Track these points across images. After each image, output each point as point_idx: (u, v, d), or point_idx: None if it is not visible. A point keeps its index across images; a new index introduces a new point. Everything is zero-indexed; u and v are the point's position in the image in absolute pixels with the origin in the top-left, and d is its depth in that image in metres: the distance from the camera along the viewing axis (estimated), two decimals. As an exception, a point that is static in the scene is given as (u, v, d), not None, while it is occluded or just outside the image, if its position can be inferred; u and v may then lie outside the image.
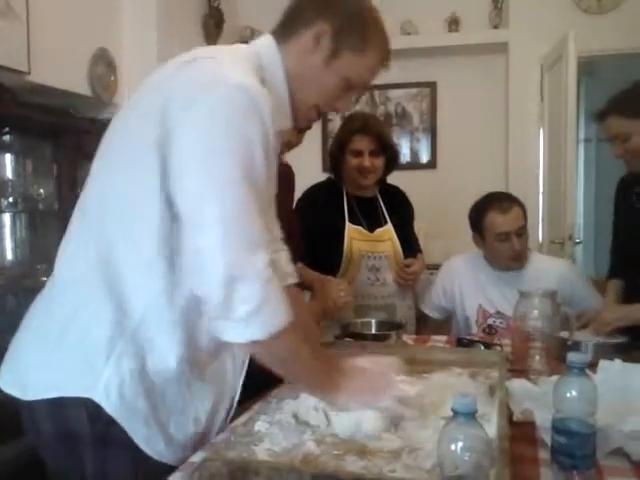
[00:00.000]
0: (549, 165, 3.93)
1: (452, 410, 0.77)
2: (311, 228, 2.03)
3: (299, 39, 1.10)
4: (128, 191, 1.01)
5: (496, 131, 4.17)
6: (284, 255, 1.30)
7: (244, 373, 1.21)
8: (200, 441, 1.12)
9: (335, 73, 1.11)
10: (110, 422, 0.99)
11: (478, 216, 2.19)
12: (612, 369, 1.21)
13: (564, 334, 1.70)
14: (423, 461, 0.94)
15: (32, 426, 1.05)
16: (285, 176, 1.94)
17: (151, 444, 1.03)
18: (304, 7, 1.13)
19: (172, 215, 0.98)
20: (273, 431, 1.06)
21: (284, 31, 1.13)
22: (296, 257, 1.75)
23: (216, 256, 0.92)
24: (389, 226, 2.27)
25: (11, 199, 2.55)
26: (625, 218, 2.01)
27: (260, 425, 1.07)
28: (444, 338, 1.96)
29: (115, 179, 1.03)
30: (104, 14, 3.08)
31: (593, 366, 0.99)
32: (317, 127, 4.35)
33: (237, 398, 1.21)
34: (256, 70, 1.06)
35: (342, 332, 1.81)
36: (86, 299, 1.02)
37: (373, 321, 1.92)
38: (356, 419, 1.06)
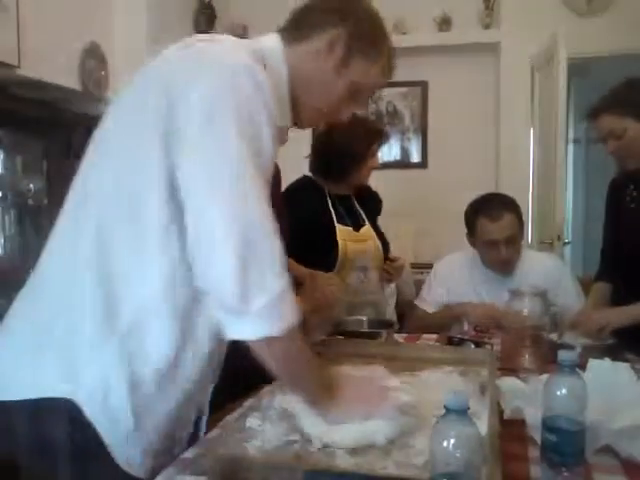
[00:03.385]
0: (539, 165, 3.96)
1: (444, 407, 0.77)
2: (302, 230, 2.00)
3: (311, 42, 1.08)
4: (129, 182, 0.95)
5: (487, 131, 4.19)
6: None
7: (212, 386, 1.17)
8: (174, 452, 1.07)
9: (344, 80, 1.09)
10: (90, 428, 0.95)
11: (470, 219, 2.18)
12: (601, 368, 1.22)
13: (553, 336, 1.72)
14: (414, 458, 0.94)
15: (11, 428, 0.98)
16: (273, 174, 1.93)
17: (126, 457, 0.98)
18: (317, 10, 1.11)
19: (176, 205, 0.93)
20: (265, 428, 1.06)
21: (294, 32, 1.10)
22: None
23: (228, 247, 0.87)
24: (367, 223, 2.28)
25: (0, 194, 2.53)
26: (618, 219, 2.02)
27: (252, 422, 1.08)
28: (434, 336, 1.97)
29: (114, 169, 0.97)
30: (95, 8, 3.06)
31: (581, 367, 1.00)
32: (308, 125, 4.35)
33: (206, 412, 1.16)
34: (258, 60, 1.02)
35: (333, 330, 1.81)
36: (74, 298, 0.97)
37: (364, 319, 1.93)
38: (364, 431, 1.01)
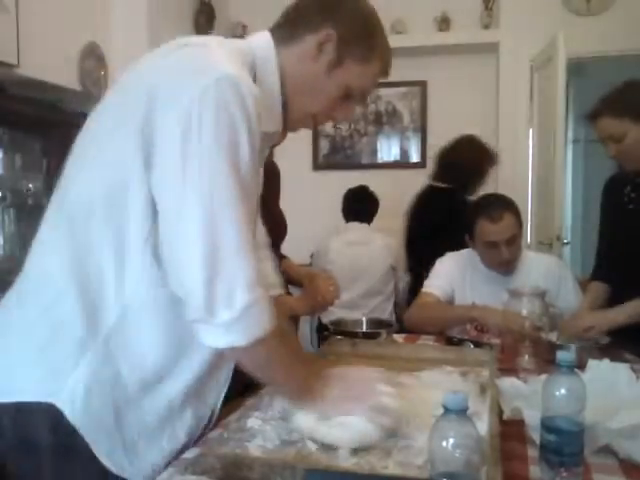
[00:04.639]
0: (538, 165, 3.96)
1: (443, 407, 0.77)
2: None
3: (302, 43, 1.05)
4: (110, 183, 0.94)
5: (486, 131, 4.18)
6: (269, 265, 1.26)
7: (225, 390, 1.15)
8: (176, 458, 1.05)
9: (336, 81, 1.06)
10: (72, 432, 0.94)
11: (470, 220, 2.18)
12: (600, 368, 1.22)
13: (552, 336, 1.72)
14: (414, 458, 0.95)
15: None
16: (271, 174, 1.94)
17: (114, 459, 0.97)
18: (309, 9, 1.07)
19: (154, 211, 0.93)
20: (266, 427, 1.06)
21: (285, 32, 1.07)
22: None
23: (196, 254, 0.87)
24: None
25: (0, 193, 2.53)
26: (615, 219, 2.02)
27: (253, 421, 1.08)
28: (433, 337, 1.98)
29: (96, 171, 0.97)
30: (94, 8, 3.06)
31: (580, 368, 1.01)
32: (308, 125, 4.36)
33: (217, 414, 1.15)
34: (248, 66, 1.01)
35: (333, 330, 1.82)
36: (57, 298, 0.95)
37: (364, 319, 1.93)
38: (352, 432, 1.01)
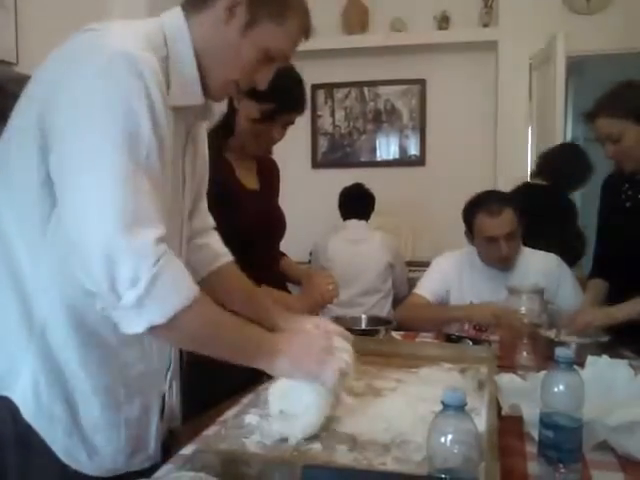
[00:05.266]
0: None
1: (442, 403, 0.77)
2: None
3: (212, 10, 1.02)
4: (10, 174, 0.96)
5: (485, 129, 4.19)
6: (214, 237, 1.29)
7: (172, 371, 1.15)
8: (136, 447, 1.05)
9: (252, 44, 1.02)
10: (28, 427, 0.94)
11: (469, 216, 2.18)
12: (599, 365, 1.22)
13: (550, 333, 1.72)
14: (413, 454, 0.95)
15: None
16: (270, 170, 1.94)
17: (71, 455, 0.97)
18: None
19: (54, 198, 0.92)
20: (263, 424, 1.06)
21: (196, 2, 1.04)
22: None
23: (90, 235, 0.85)
24: None
25: None
26: (612, 218, 2.02)
27: (250, 418, 1.08)
28: (432, 334, 1.98)
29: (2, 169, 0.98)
30: (93, 6, 3.06)
31: (578, 365, 1.01)
32: (306, 123, 4.35)
33: (169, 399, 1.15)
34: (156, 45, 0.99)
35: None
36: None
37: (363, 316, 1.93)
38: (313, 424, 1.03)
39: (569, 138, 4.87)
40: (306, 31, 1.09)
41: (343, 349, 1.12)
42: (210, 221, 1.32)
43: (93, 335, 0.98)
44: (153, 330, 0.88)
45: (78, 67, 0.90)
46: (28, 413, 0.94)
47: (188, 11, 1.04)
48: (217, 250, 1.29)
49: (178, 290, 0.89)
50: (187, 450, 1.01)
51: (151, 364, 1.08)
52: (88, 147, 0.87)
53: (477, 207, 2.13)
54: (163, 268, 0.86)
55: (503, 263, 2.13)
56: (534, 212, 2.73)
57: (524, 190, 3.07)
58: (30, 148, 0.92)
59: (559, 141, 3.51)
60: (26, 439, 0.94)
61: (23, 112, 0.97)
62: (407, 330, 2.02)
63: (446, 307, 2.18)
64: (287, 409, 1.05)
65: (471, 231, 2.17)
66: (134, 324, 0.87)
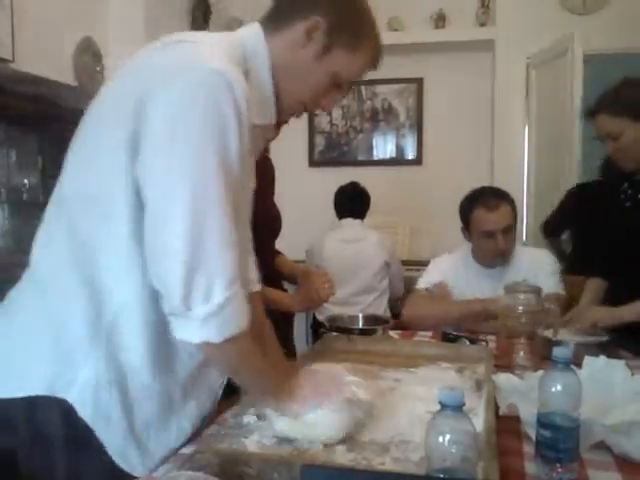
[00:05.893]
0: (538, 163, 3.96)
1: (440, 403, 0.78)
2: None
3: (291, 31, 1.04)
4: (99, 180, 0.95)
5: (482, 128, 4.20)
6: (250, 260, 1.25)
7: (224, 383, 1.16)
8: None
9: (325, 69, 1.06)
10: (84, 428, 0.94)
11: (466, 210, 2.18)
12: (596, 365, 1.23)
13: (548, 333, 1.72)
14: (411, 454, 0.95)
15: (6, 425, 0.98)
16: (265, 169, 1.94)
17: (125, 456, 0.98)
18: None
19: (141, 204, 0.93)
20: (262, 424, 1.06)
21: (275, 21, 1.06)
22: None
23: (179, 247, 0.87)
24: None
25: (-6, 189, 2.51)
26: (611, 218, 2.02)
27: (249, 418, 1.08)
28: (429, 333, 1.98)
29: (87, 168, 0.98)
30: (90, 3, 3.05)
31: (576, 365, 1.01)
32: (304, 122, 4.36)
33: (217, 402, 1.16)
34: (238, 60, 1.01)
35: (329, 326, 1.82)
36: (62, 296, 0.97)
37: (360, 315, 1.94)
38: (309, 424, 1.03)
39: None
40: (376, 61, 1.11)
41: (354, 382, 1.12)
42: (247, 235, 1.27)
43: (162, 334, 0.98)
44: (205, 345, 0.91)
45: (174, 80, 0.91)
46: (85, 414, 0.94)
47: (267, 27, 1.06)
48: (248, 275, 1.24)
49: (239, 317, 0.93)
50: (186, 450, 1.01)
51: (207, 367, 1.09)
52: (180, 166, 0.88)
53: (474, 202, 2.14)
54: (236, 293, 0.91)
55: (499, 258, 2.14)
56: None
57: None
58: (120, 153, 0.92)
59: (575, 140, 3.47)
60: (80, 440, 0.95)
61: (111, 114, 0.96)
62: (413, 329, 2.02)
63: (459, 301, 2.14)
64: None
65: (468, 227, 2.18)
66: (191, 334, 0.90)
